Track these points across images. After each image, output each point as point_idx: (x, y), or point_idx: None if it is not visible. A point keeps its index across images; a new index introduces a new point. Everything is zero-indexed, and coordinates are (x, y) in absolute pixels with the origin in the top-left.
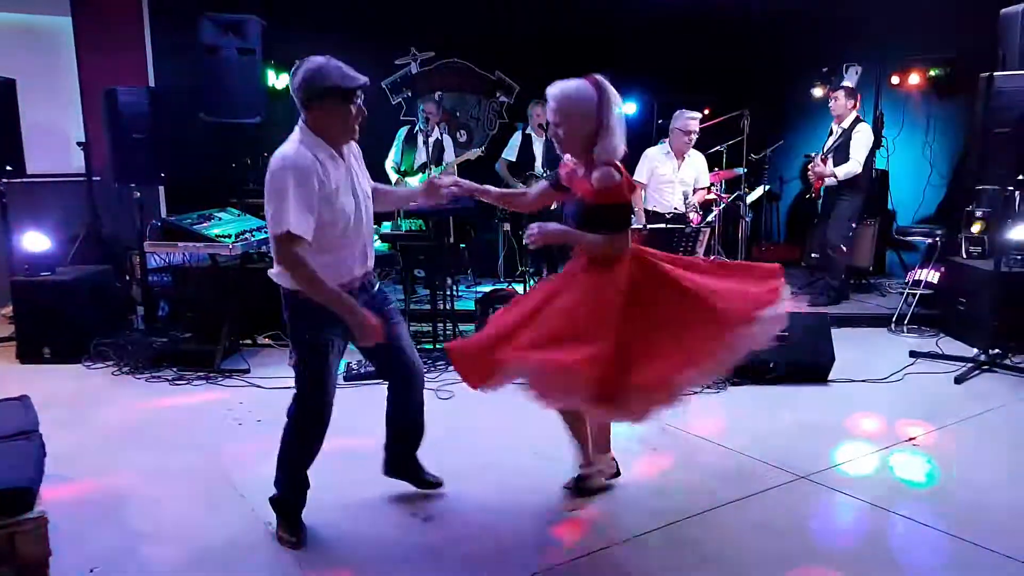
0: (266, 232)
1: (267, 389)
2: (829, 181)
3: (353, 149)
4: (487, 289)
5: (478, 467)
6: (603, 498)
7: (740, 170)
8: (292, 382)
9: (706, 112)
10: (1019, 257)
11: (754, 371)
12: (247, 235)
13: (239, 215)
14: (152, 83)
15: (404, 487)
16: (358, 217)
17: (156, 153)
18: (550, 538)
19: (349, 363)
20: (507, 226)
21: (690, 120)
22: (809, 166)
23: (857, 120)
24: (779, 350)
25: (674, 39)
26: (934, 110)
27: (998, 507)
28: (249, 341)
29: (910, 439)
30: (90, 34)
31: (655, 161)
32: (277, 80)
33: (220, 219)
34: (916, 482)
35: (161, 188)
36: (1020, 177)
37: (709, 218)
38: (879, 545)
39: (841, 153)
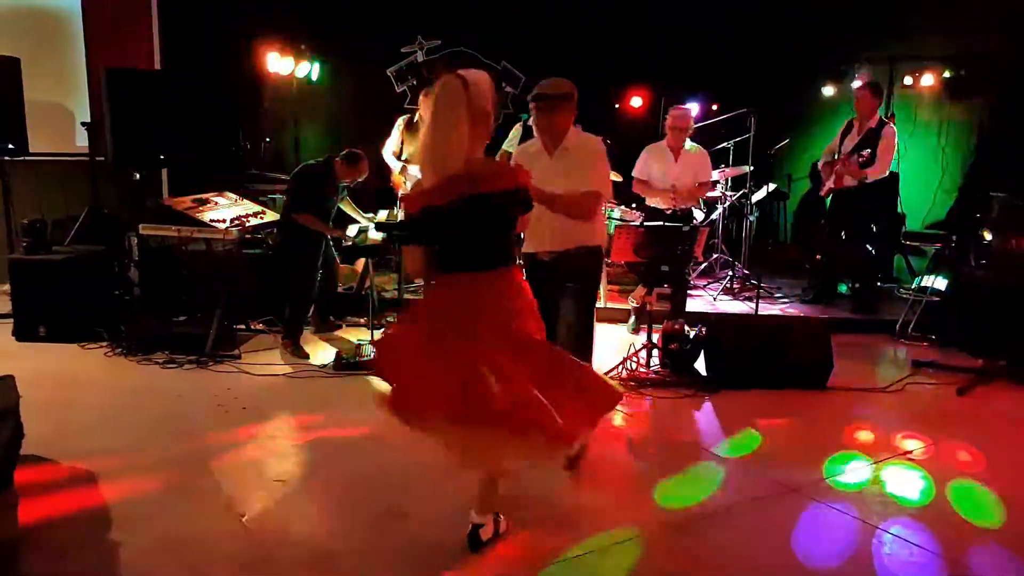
0: (262, 218)
1: (256, 376)
2: (848, 181)
3: None
4: None
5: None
6: (584, 501)
7: (747, 168)
8: (280, 369)
9: (715, 108)
10: None
11: (745, 374)
12: (242, 220)
13: (236, 200)
14: (159, 66)
15: (389, 482)
16: None
17: (158, 136)
18: (529, 537)
19: (339, 351)
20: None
21: (675, 115)
22: (835, 166)
23: (883, 120)
24: (777, 353)
25: (684, 33)
26: (947, 113)
27: (990, 530)
28: (243, 326)
29: (906, 453)
30: (98, 17)
31: (651, 156)
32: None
33: (217, 204)
34: (909, 499)
35: (164, 171)
36: None
37: (712, 216)
38: (863, 565)
39: (863, 158)
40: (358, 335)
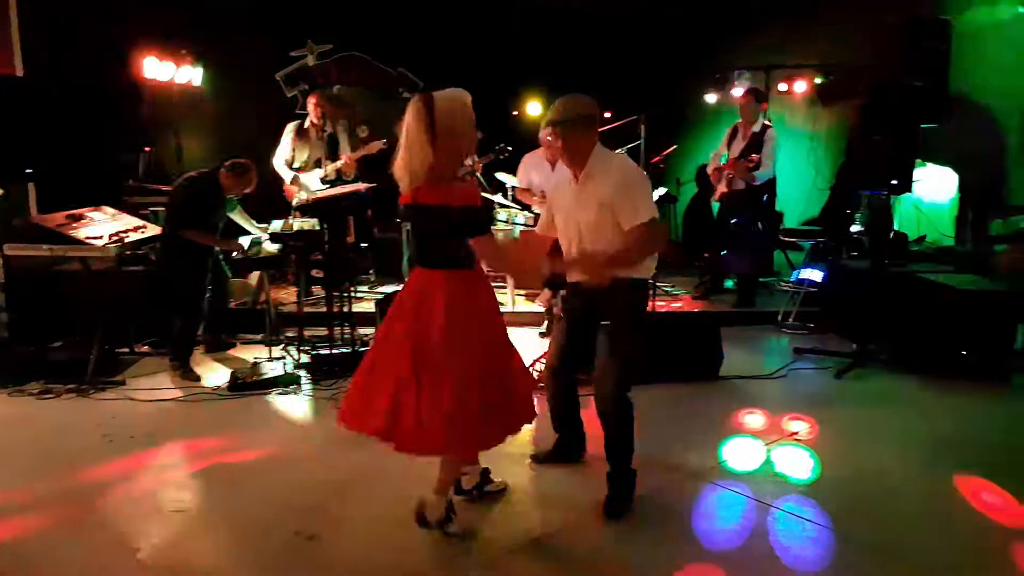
0: (143, 232)
1: (143, 402)
2: (738, 184)
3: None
4: (389, 290)
5: (368, 479)
6: (494, 506)
7: None
8: (170, 393)
9: (607, 116)
10: (893, 258)
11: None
12: (121, 236)
13: (114, 214)
14: (20, 72)
15: (296, 504)
16: None
17: (21, 148)
18: (442, 551)
19: (234, 371)
20: (410, 225)
21: (544, 135)
22: (725, 170)
23: (766, 124)
24: (670, 349)
25: (575, 42)
26: (819, 117)
27: (871, 499)
28: (126, 350)
29: (792, 434)
30: None
31: (530, 165)
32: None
33: (92, 220)
34: (797, 477)
35: (31, 186)
36: (894, 182)
37: None
38: (761, 541)
39: (752, 162)
40: (254, 353)
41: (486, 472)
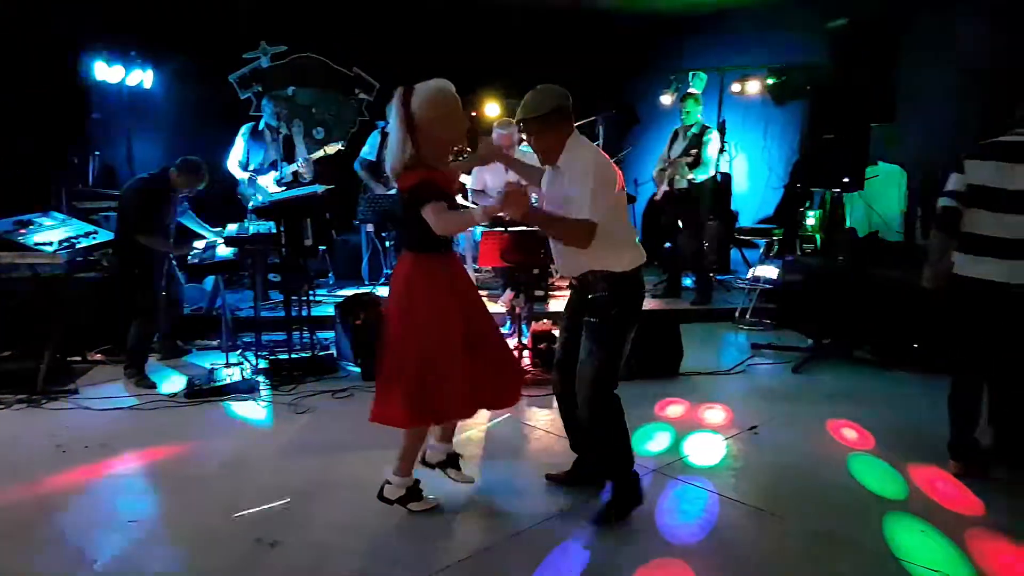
0: (94, 239)
1: (97, 411)
2: (681, 184)
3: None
4: (349, 293)
5: (330, 484)
6: (458, 505)
7: None
8: (125, 402)
9: None
10: (846, 254)
11: None
12: (72, 241)
13: (64, 219)
14: None
15: (257, 511)
16: None
17: None
18: (407, 554)
19: (190, 378)
20: (370, 227)
21: (499, 133)
22: (665, 171)
23: (706, 126)
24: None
25: (532, 43)
26: (772, 117)
27: (829, 489)
28: (79, 358)
29: (751, 428)
30: None
31: (484, 168)
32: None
33: (41, 225)
34: (756, 469)
35: None
36: (845, 180)
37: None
38: (723, 533)
39: (691, 158)
40: (211, 359)
41: (454, 457)
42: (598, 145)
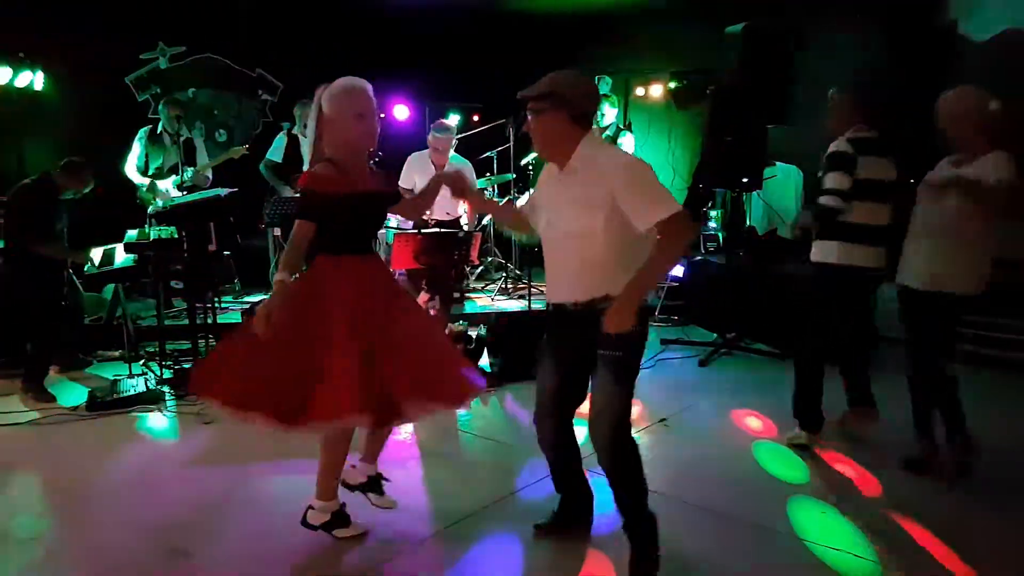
0: None
1: None
2: None
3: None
4: (256, 299)
5: (241, 494)
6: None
7: (509, 176)
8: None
9: (476, 119)
10: (747, 251)
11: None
12: None
13: None
14: None
15: (166, 523)
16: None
17: None
18: (321, 561)
19: (92, 390)
20: (277, 231)
21: (435, 139)
22: None
23: (620, 128)
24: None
25: (442, 45)
26: (675, 120)
27: (735, 475)
28: None
29: (662, 420)
30: None
31: (414, 168)
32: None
33: None
34: (666, 459)
35: None
36: (745, 180)
37: (484, 221)
38: None
39: None
40: (113, 370)
41: (376, 480)
42: (508, 148)
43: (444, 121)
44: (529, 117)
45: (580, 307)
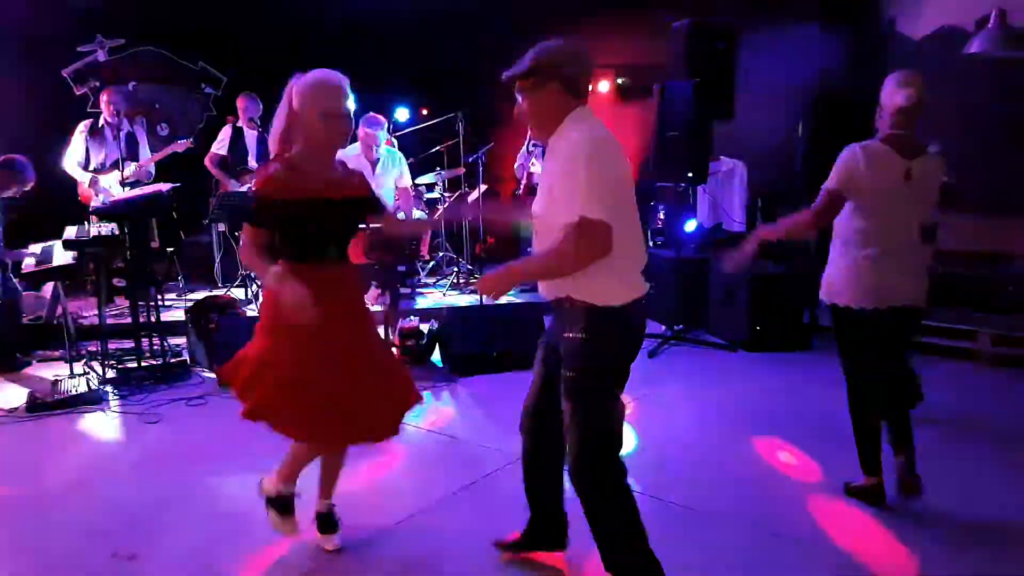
0: None
1: None
2: (538, 178)
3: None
4: (200, 297)
5: (185, 495)
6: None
7: (460, 170)
8: None
9: (424, 113)
10: (693, 245)
11: (476, 361)
12: None
13: None
14: None
15: (111, 525)
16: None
17: None
18: (269, 560)
19: (32, 391)
20: (222, 226)
21: (364, 133)
22: (527, 166)
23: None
24: (498, 340)
25: (390, 39)
26: (623, 116)
27: (686, 466)
28: None
29: None
30: None
31: (350, 158)
32: None
33: None
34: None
35: None
36: (690, 175)
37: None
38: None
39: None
40: (53, 371)
41: (328, 518)
42: (458, 141)
43: (374, 115)
44: (519, 99)
45: (553, 305)
